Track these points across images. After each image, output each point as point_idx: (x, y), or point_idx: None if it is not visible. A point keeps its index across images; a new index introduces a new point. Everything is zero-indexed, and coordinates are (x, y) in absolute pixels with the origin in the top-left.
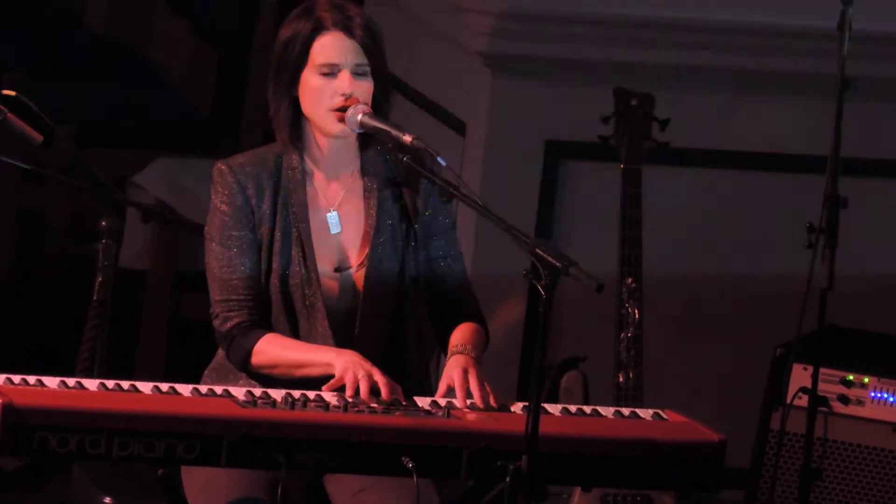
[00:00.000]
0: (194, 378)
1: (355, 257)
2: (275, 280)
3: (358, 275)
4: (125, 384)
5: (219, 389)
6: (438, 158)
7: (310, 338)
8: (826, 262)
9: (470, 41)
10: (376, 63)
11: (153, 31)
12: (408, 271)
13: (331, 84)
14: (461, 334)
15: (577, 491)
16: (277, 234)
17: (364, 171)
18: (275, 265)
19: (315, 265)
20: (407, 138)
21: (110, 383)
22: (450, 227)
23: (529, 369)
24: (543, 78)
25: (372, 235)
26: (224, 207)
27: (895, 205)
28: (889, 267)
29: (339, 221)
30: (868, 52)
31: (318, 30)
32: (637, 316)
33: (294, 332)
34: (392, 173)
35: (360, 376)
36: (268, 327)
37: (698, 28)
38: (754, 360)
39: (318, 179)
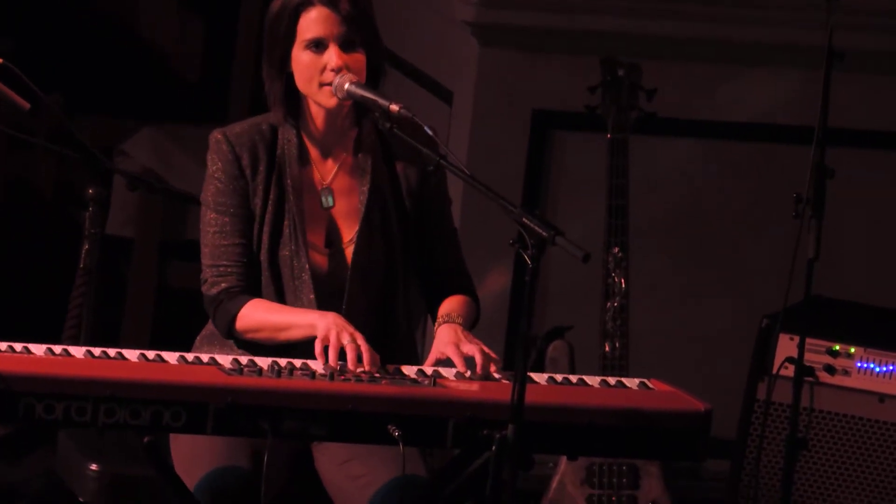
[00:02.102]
0: (180, 346)
1: (347, 233)
2: (265, 252)
3: (349, 251)
4: (111, 352)
5: (205, 357)
6: (425, 128)
7: (298, 305)
8: (813, 233)
9: (457, 10)
10: (365, 33)
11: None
12: (397, 248)
13: (321, 59)
14: (450, 304)
15: (563, 460)
16: (270, 207)
17: (359, 148)
18: (265, 237)
19: (305, 240)
20: (394, 107)
21: (97, 351)
22: (444, 203)
23: (515, 339)
24: (530, 47)
25: (363, 212)
26: (218, 175)
27: (881, 175)
28: (875, 237)
29: (333, 197)
30: (855, 23)
31: (302, 5)
32: (623, 285)
33: (280, 301)
34: (387, 150)
35: (345, 342)
36: (256, 295)
37: None
38: (741, 330)
39: (314, 154)
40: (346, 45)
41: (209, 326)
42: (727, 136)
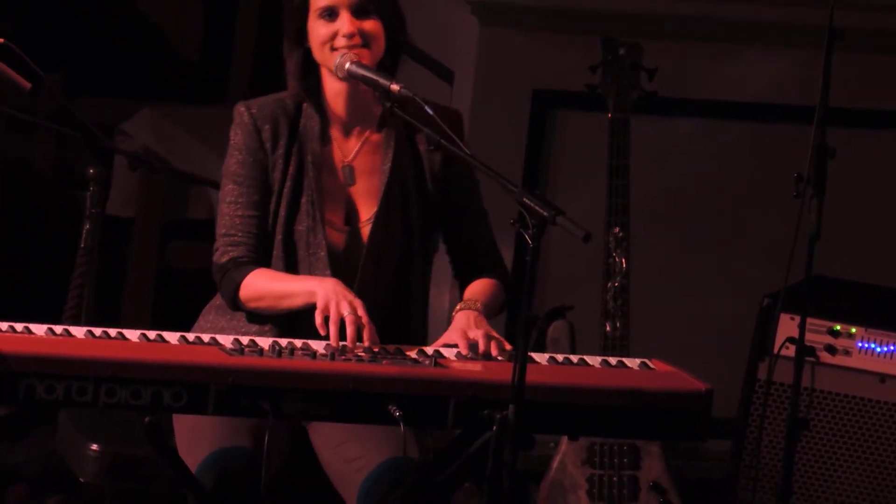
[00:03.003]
0: (181, 326)
1: (365, 212)
2: (280, 226)
3: (366, 229)
4: (112, 331)
5: (206, 337)
6: (426, 107)
7: None
8: (814, 212)
9: None
10: (379, 5)
11: None
12: (416, 230)
13: (333, 27)
14: (474, 289)
15: (564, 440)
16: (288, 181)
17: (382, 126)
18: (282, 211)
19: (323, 216)
20: (394, 87)
21: (97, 331)
22: (472, 184)
23: (516, 319)
24: (531, 26)
25: (382, 192)
26: (239, 147)
27: (882, 155)
28: (876, 217)
29: (353, 174)
30: (856, 2)
31: None
32: (624, 265)
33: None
34: (411, 129)
35: (345, 313)
36: (265, 266)
37: None
38: (742, 309)
39: (336, 130)
40: (358, 12)
41: (214, 301)
42: (728, 115)
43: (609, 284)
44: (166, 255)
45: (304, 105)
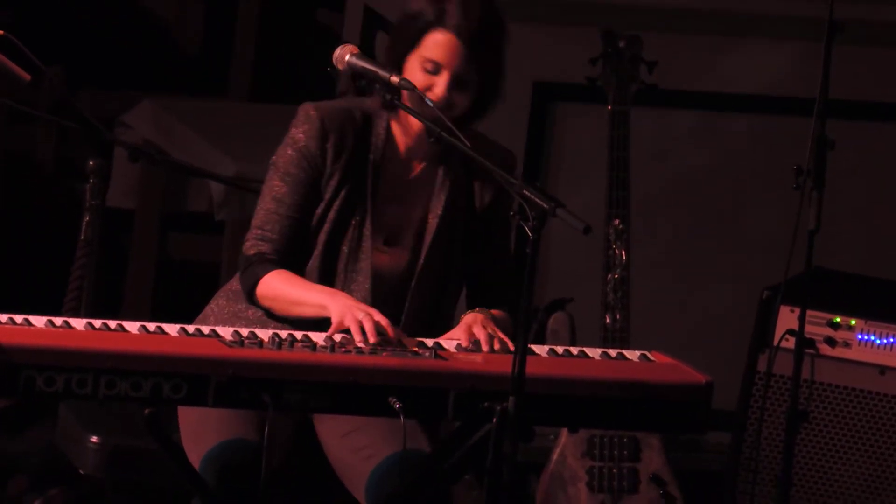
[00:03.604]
0: (181, 318)
1: (410, 237)
2: (325, 235)
3: (408, 254)
4: (112, 324)
5: (206, 329)
6: (426, 99)
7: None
8: (813, 205)
9: None
10: (484, 75)
11: None
12: (456, 263)
13: (430, 79)
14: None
15: (564, 432)
16: (342, 193)
17: (442, 157)
18: (331, 216)
19: (370, 233)
20: (394, 79)
21: (97, 323)
22: (508, 229)
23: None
24: (531, 19)
25: (437, 223)
26: (299, 146)
27: (882, 147)
28: (876, 209)
29: (404, 198)
30: None
31: (437, 23)
32: (624, 258)
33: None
34: (467, 165)
35: (360, 317)
36: (287, 268)
37: None
38: (742, 302)
39: (399, 152)
40: (458, 83)
41: (233, 282)
42: (728, 107)
43: (609, 277)
44: (166, 247)
45: (374, 120)
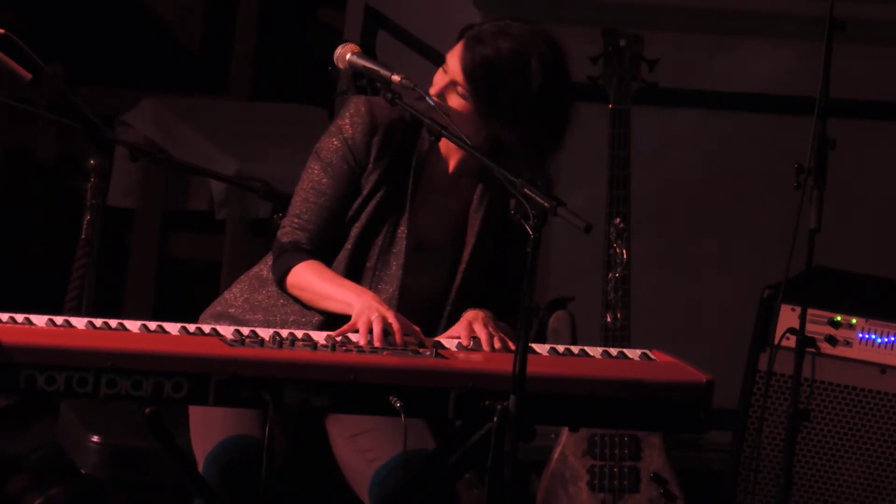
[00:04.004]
0: (183, 317)
1: (440, 243)
2: (357, 231)
3: (438, 256)
4: (113, 322)
5: (207, 328)
6: (427, 98)
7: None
8: (814, 203)
9: None
10: (483, 99)
11: None
12: (479, 275)
13: (437, 73)
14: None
15: (565, 431)
16: (381, 192)
17: (483, 176)
18: (365, 214)
19: (401, 235)
20: (395, 77)
21: (98, 321)
22: (523, 251)
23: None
24: (531, 16)
25: (473, 245)
26: (346, 136)
27: (884, 146)
28: (877, 208)
29: (442, 208)
30: None
31: (467, 29)
32: (625, 256)
33: (355, 281)
34: (505, 190)
35: (373, 318)
36: (322, 260)
37: None
38: (742, 300)
39: (443, 160)
40: (447, 85)
41: (257, 268)
42: (729, 106)
43: (610, 275)
44: (167, 245)
45: (424, 126)
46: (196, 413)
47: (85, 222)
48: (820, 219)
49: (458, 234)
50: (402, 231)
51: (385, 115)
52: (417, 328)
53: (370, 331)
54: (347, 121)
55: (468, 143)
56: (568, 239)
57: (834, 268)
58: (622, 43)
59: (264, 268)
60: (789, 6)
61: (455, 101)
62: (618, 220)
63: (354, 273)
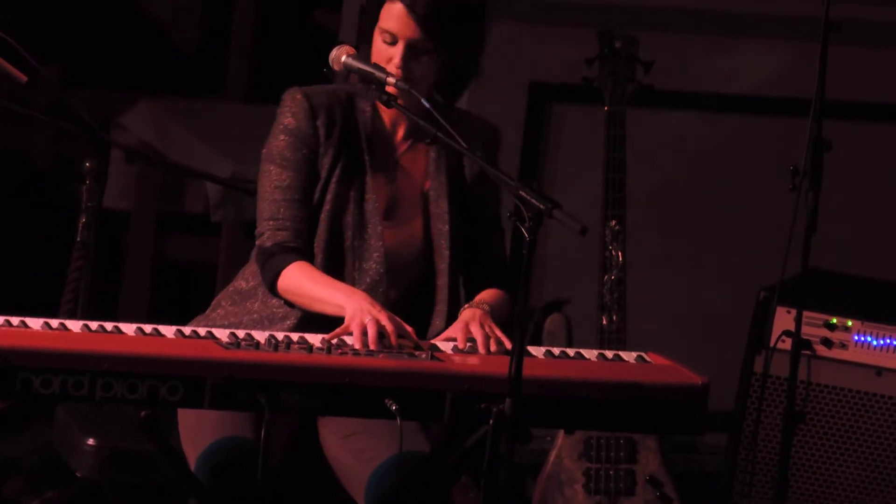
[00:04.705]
0: (178, 319)
1: (409, 209)
2: (326, 213)
3: (410, 226)
4: (109, 325)
5: (202, 331)
6: (422, 100)
7: (357, 274)
8: (810, 205)
9: None
10: (441, 40)
11: None
12: (456, 231)
13: (388, 50)
14: (482, 295)
15: (561, 434)
16: (338, 171)
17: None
18: (329, 196)
19: (371, 210)
20: (391, 80)
21: (94, 325)
22: (498, 200)
23: (513, 312)
24: (528, 20)
25: (430, 190)
26: (291, 129)
27: (879, 147)
28: (872, 210)
29: (398, 172)
30: None
31: None
32: (621, 259)
33: (337, 266)
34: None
35: (366, 321)
36: (308, 254)
37: None
38: (738, 303)
39: (386, 127)
40: (412, 51)
41: (235, 282)
42: (724, 108)
43: (606, 278)
44: (163, 248)
45: (357, 99)
46: (188, 416)
47: (80, 225)
48: (815, 221)
49: (421, 192)
50: (371, 202)
51: (321, 97)
52: (411, 329)
53: (365, 333)
54: (287, 113)
55: (463, 145)
56: (564, 241)
57: (830, 270)
58: (617, 45)
59: (242, 281)
60: (784, 8)
61: (418, 66)
62: (613, 222)
63: (335, 256)
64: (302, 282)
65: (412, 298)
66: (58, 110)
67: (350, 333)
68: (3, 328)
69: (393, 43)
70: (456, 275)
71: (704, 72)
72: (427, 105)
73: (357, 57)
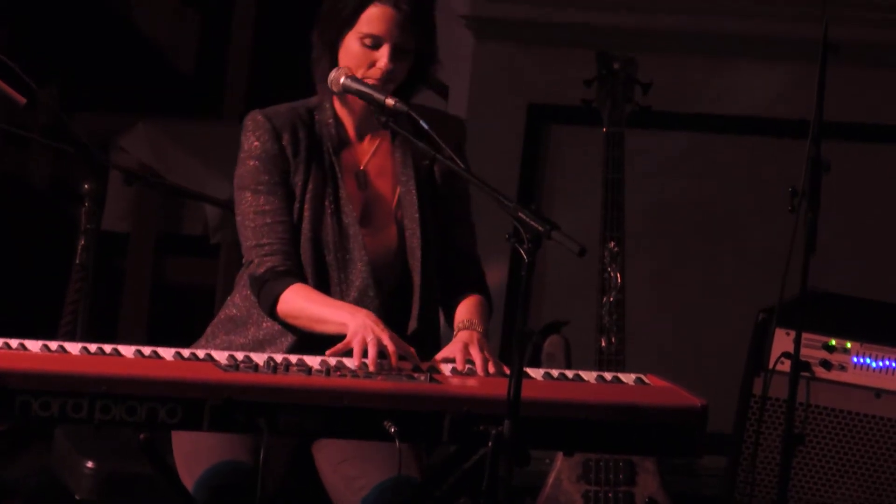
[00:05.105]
0: (177, 341)
1: (382, 214)
2: (306, 229)
3: (386, 231)
4: (107, 348)
5: (201, 354)
6: (421, 122)
7: (343, 286)
8: (808, 227)
9: (453, 4)
10: (420, 40)
11: None
12: (430, 230)
13: (371, 55)
14: (467, 308)
15: (559, 456)
16: (311, 185)
17: (395, 132)
18: (307, 213)
19: (349, 219)
20: (389, 101)
21: (93, 347)
22: (468, 197)
23: (511, 333)
24: (526, 41)
25: (400, 193)
26: (257, 153)
27: (878, 168)
28: (871, 231)
29: (367, 179)
30: (851, 16)
31: None
32: (619, 280)
33: (323, 281)
34: (421, 137)
35: (368, 340)
36: (300, 274)
37: None
38: (737, 324)
39: (350, 136)
40: (398, 52)
41: (225, 311)
42: (723, 129)
43: (604, 299)
44: (162, 270)
45: (316, 112)
46: (184, 441)
47: (79, 247)
48: (814, 242)
49: (393, 195)
50: (347, 212)
51: (281, 116)
52: (413, 349)
53: (365, 352)
54: (252, 137)
55: (461, 165)
56: (562, 262)
57: (828, 291)
58: (616, 66)
59: (233, 308)
60: (783, 29)
61: (399, 68)
62: (612, 243)
63: (320, 271)
64: (302, 304)
65: (392, 301)
66: (56, 132)
67: (351, 350)
68: (2, 350)
69: (376, 46)
70: (429, 274)
71: (703, 93)
72: (426, 127)
73: (355, 79)
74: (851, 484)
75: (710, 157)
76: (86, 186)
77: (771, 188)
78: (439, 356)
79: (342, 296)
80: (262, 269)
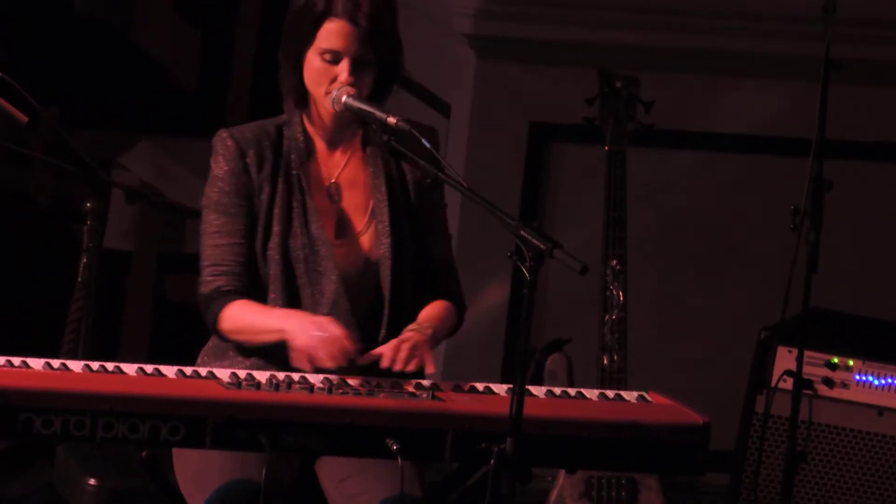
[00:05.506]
0: (179, 359)
1: (357, 224)
2: (275, 245)
3: (361, 241)
4: (110, 366)
5: (203, 371)
6: (423, 140)
7: (315, 299)
8: (811, 245)
9: (455, 22)
10: (380, 52)
11: (136, 11)
12: (407, 239)
13: (331, 70)
14: (426, 312)
15: (562, 473)
16: (278, 200)
17: (367, 142)
18: (276, 228)
19: (318, 232)
20: (391, 120)
21: (95, 365)
22: (441, 206)
23: (514, 351)
24: (528, 59)
25: (373, 204)
26: (222, 174)
27: (879, 187)
28: (873, 249)
29: (340, 191)
30: (853, 34)
31: (327, 13)
32: (622, 298)
33: (294, 298)
34: (393, 149)
35: (316, 358)
36: (247, 293)
37: (683, 10)
38: (739, 342)
39: (321, 149)
40: (358, 65)
41: (213, 340)
42: (725, 147)
43: (606, 317)
44: (164, 288)
45: (285, 128)
46: (191, 460)
47: (81, 265)
48: (816, 260)
49: (367, 205)
50: (315, 225)
51: (247, 134)
52: (354, 339)
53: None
54: (218, 158)
55: (464, 185)
56: (564, 280)
57: (831, 309)
58: (618, 84)
59: (215, 336)
60: (785, 47)
61: (361, 80)
62: (614, 261)
63: (290, 285)
64: (242, 318)
65: (366, 312)
66: (58, 151)
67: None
68: (5, 368)
69: (335, 61)
70: (399, 284)
71: (705, 111)
72: (427, 146)
73: (357, 97)
74: (854, 502)
75: (713, 175)
76: (88, 205)
77: (773, 206)
78: (375, 350)
79: (314, 309)
80: (208, 289)
